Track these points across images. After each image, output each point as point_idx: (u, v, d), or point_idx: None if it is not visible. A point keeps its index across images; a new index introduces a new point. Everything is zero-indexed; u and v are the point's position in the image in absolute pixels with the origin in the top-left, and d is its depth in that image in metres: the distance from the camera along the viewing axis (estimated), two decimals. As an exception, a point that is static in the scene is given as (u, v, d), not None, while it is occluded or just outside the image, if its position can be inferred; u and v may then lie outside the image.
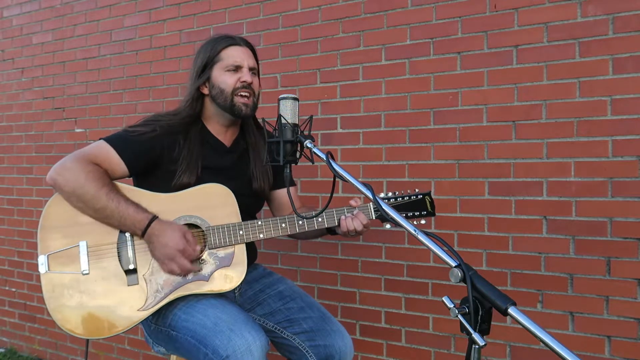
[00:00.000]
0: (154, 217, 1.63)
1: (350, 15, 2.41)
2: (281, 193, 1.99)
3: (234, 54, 1.79)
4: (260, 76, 2.61)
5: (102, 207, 1.61)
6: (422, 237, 1.10)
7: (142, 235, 1.63)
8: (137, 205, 1.64)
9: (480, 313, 0.98)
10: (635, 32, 1.87)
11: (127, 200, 1.63)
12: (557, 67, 1.99)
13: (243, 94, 1.77)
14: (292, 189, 1.98)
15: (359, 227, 1.72)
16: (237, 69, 1.78)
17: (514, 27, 2.06)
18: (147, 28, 3.02)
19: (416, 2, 2.25)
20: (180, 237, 1.62)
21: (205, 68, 1.79)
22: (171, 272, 1.64)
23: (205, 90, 1.82)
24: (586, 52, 1.94)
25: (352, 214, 1.74)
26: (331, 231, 1.83)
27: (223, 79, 1.77)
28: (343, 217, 1.73)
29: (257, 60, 1.87)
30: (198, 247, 1.68)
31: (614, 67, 1.90)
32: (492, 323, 1.01)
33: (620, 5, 1.89)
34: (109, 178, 1.66)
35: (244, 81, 1.77)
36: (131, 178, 1.84)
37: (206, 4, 2.81)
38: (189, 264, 1.64)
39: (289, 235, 2.00)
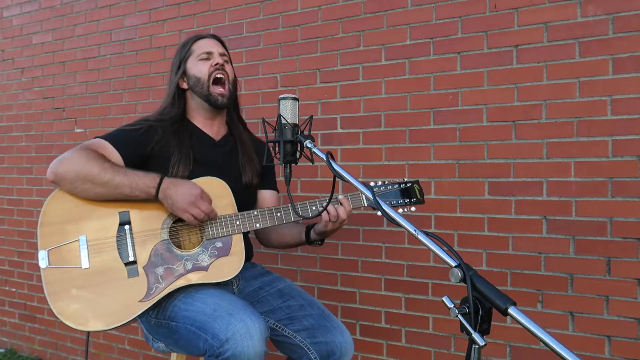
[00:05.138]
0: (163, 175, 1.69)
1: (350, 15, 2.41)
2: (264, 194, 2.03)
3: (203, 44, 1.91)
4: (261, 76, 2.64)
5: (110, 179, 1.64)
6: (422, 237, 1.10)
7: (157, 193, 1.66)
8: (143, 171, 1.69)
9: (480, 313, 0.98)
10: (635, 32, 1.87)
11: (131, 169, 1.69)
12: (557, 67, 1.99)
13: (218, 76, 1.86)
14: (273, 193, 2.04)
15: (343, 215, 1.71)
16: (208, 55, 1.89)
17: (514, 27, 2.06)
18: (147, 28, 3.02)
19: (416, 2, 2.26)
20: (193, 184, 1.68)
21: (180, 65, 1.91)
22: (197, 217, 1.66)
23: (184, 85, 1.91)
24: (586, 52, 1.94)
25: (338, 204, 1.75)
26: (310, 241, 1.85)
27: (198, 67, 1.88)
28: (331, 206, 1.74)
29: (227, 50, 1.97)
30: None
31: (614, 67, 1.90)
32: (492, 323, 1.01)
33: (620, 5, 1.89)
34: (107, 158, 1.70)
35: (216, 64, 1.87)
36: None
37: (206, 4, 2.81)
38: (210, 206, 1.68)
39: (266, 243, 2.04)
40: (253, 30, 2.67)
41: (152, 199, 1.68)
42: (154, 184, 1.66)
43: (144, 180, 1.66)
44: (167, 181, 1.67)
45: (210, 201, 1.70)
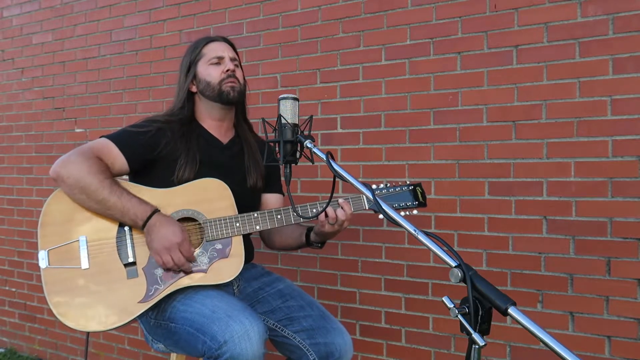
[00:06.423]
0: (156, 210, 1.67)
1: (350, 15, 2.41)
2: (269, 198, 2.03)
3: (214, 48, 1.89)
4: (261, 76, 2.64)
5: (104, 199, 1.64)
6: (422, 237, 1.10)
7: (143, 226, 1.65)
8: (139, 198, 1.68)
9: (480, 313, 0.98)
10: (635, 32, 1.87)
11: (129, 193, 1.68)
12: (557, 67, 1.99)
13: (230, 84, 1.85)
14: (278, 197, 2.05)
15: (342, 216, 1.69)
16: (219, 60, 1.87)
17: (514, 27, 2.06)
18: (147, 28, 3.02)
19: (416, 2, 2.25)
20: (179, 231, 1.66)
21: (190, 67, 1.89)
22: (165, 264, 1.65)
23: (194, 88, 1.90)
24: (586, 52, 1.94)
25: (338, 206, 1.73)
26: (309, 242, 1.85)
27: (208, 72, 1.86)
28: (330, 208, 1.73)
29: (237, 53, 1.96)
30: (193, 249, 1.70)
31: (614, 67, 1.90)
32: (492, 323, 1.01)
33: (620, 5, 1.89)
34: (110, 172, 1.70)
35: (228, 70, 1.85)
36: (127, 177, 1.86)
37: (206, 4, 2.81)
38: (184, 259, 1.66)
39: (269, 245, 2.04)
40: (253, 30, 2.67)
41: (139, 229, 1.68)
42: (143, 217, 1.65)
43: (134, 210, 1.65)
44: (155, 218, 1.65)
45: (190, 254, 1.67)
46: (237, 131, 1.99)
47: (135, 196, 1.68)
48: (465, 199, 2.17)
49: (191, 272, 1.70)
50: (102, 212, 1.67)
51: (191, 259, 1.69)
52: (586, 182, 1.95)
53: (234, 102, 1.88)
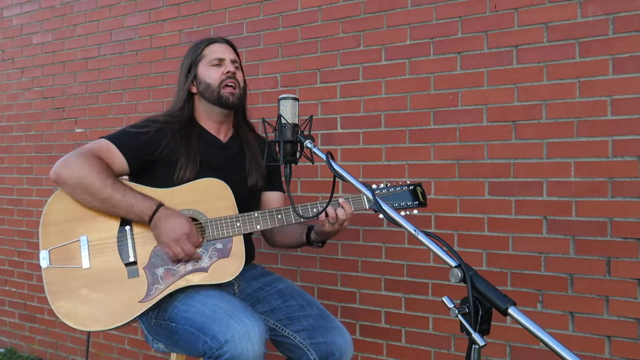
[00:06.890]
0: (161, 204, 1.68)
1: (350, 15, 2.41)
2: (269, 196, 2.04)
3: (215, 49, 1.90)
4: (261, 76, 2.64)
5: (108, 197, 1.64)
6: (422, 237, 1.10)
7: (150, 221, 1.66)
8: (143, 194, 1.69)
9: (480, 313, 0.99)
10: (635, 32, 1.87)
11: (132, 189, 1.69)
12: (557, 67, 1.99)
13: (229, 84, 1.85)
14: (279, 195, 2.05)
15: (343, 216, 1.69)
16: (220, 62, 1.87)
17: (514, 27, 2.06)
18: (147, 28, 3.02)
19: (416, 2, 2.26)
20: (186, 222, 1.67)
21: (190, 68, 1.89)
22: (175, 256, 1.66)
23: (194, 89, 1.90)
24: (586, 52, 1.94)
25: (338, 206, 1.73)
26: (310, 242, 1.86)
27: (208, 73, 1.86)
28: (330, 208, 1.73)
29: (238, 55, 1.96)
30: (201, 238, 1.71)
31: (614, 67, 1.90)
32: (492, 323, 1.01)
33: (620, 5, 1.89)
34: (112, 170, 1.71)
35: (228, 72, 1.86)
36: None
37: (206, 4, 2.81)
38: (193, 248, 1.67)
39: (271, 243, 2.05)
40: (253, 30, 2.67)
41: (145, 224, 1.68)
42: (149, 212, 1.66)
43: (140, 207, 1.66)
44: (161, 212, 1.67)
45: (197, 243, 1.69)
46: (236, 130, 1.99)
47: (138, 192, 1.68)
48: (465, 199, 2.17)
49: (200, 259, 1.71)
50: (107, 209, 1.68)
51: (200, 247, 1.71)
52: (586, 182, 1.95)
53: (233, 107, 1.89)
